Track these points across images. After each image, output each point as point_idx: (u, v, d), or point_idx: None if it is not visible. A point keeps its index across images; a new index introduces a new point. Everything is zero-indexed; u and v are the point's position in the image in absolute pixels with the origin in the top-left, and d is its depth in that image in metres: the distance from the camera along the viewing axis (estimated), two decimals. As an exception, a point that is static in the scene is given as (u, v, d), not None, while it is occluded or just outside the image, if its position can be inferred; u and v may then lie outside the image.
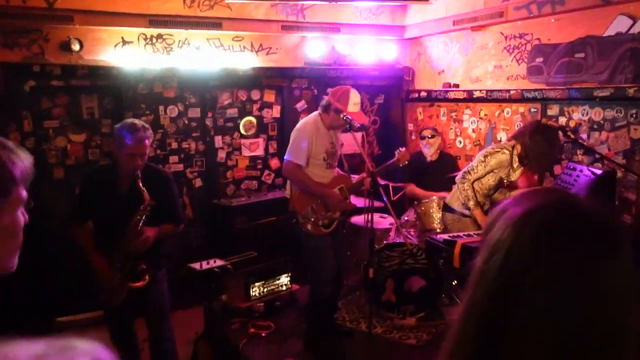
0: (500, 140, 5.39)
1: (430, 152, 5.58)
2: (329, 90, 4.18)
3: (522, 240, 0.78)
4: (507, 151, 4.11)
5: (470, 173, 4.18)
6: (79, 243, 3.36)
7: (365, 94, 6.61)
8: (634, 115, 4.21)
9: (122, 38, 4.98)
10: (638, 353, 0.77)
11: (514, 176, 4.18)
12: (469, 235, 3.74)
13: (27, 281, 4.50)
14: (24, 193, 1.11)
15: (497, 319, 0.78)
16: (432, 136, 5.59)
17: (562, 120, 4.76)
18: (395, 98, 6.84)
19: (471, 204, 4.11)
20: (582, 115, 4.62)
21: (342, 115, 3.92)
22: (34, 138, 4.76)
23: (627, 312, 0.76)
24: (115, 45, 4.97)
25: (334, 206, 4.10)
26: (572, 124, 4.69)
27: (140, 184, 3.19)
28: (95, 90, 5.10)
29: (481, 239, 0.88)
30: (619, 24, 4.25)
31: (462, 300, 0.86)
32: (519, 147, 4.09)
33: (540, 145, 3.99)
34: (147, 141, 3.26)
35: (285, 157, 4.12)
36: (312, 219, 4.06)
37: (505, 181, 4.20)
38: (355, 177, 4.26)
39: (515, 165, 4.12)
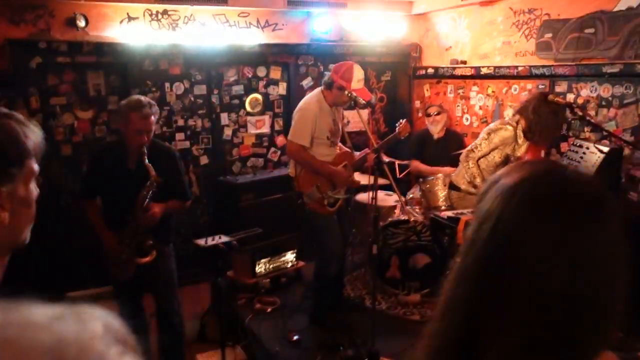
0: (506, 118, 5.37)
1: (436, 129, 5.55)
2: (332, 66, 4.13)
3: (510, 210, 0.79)
4: (510, 127, 4.05)
5: (474, 151, 4.15)
6: (88, 219, 3.42)
7: (371, 70, 6.56)
8: (643, 92, 4.17)
9: (128, 14, 4.96)
10: (617, 325, 0.78)
11: (520, 151, 4.14)
12: (473, 212, 3.74)
13: (38, 256, 4.58)
14: (36, 166, 1.14)
15: (484, 285, 0.80)
16: (438, 113, 5.55)
17: (570, 97, 4.71)
18: (402, 75, 6.79)
19: (477, 181, 4.10)
20: (591, 92, 4.57)
21: (346, 92, 3.90)
22: (41, 115, 4.78)
23: (610, 284, 0.77)
24: (121, 22, 4.95)
25: (341, 183, 4.11)
26: (580, 100, 4.65)
27: (146, 161, 3.21)
28: (102, 67, 5.10)
29: (474, 209, 0.89)
30: (630, -1, 4.18)
31: (452, 267, 0.87)
32: (523, 122, 4.00)
33: (545, 117, 3.87)
34: (152, 117, 3.28)
35: (288, 138, 4.11)
36: (318, 198, 4.07)
37: (512, 157, 4.17)
38: (358, 154, 4.26)
39: (520, 140, 4.07)
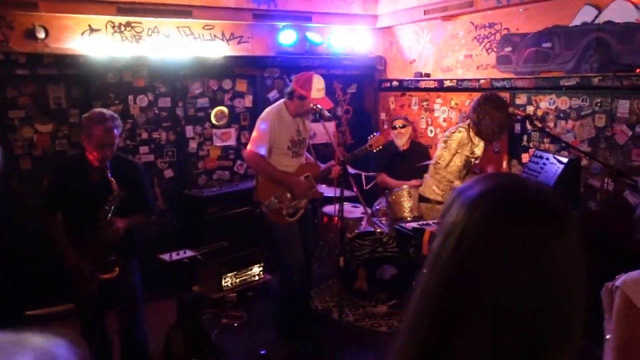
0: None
1: (402, 142, 5.61)
2: (293, 77, 4.16)
3: (473, 222, 0.81)
4: (462, 129, 4.20)
5: (439, 162, 4.23)
6: (49, 234, 3.33)
7: (337, 83, 6.62)
8: (599, 104, 4.31)
9: (90, 26, 4.88)
10: (580, 334, 0.80)
11: (479, 150, 4.26)
12: (437, 223, 3.79)
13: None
14: None
15: (451, 296, 0.81)
16: (404, 126, 5.62)
17: (530, 109, 4.84)
18: (367, 87, 6.86)
19: (456, 184, 4.17)
20: (549, 104, 4.70)
21: (307, 102, 3.92)
22: (-2, 128, 4.66)
23: (572, 294, 0.79)
24: (82, 33, 4.87)
25: (300, 194, 4.10)
26: (539, 112, 4.78)
27: (109, 175, 3.16)
28: (63, 80, 5.00)
29: (438, 222, 0.90)
30: (585, 14, 4.33)
31: (417, 282, 0.88)
32: (471, 123, 4.15)
33: (488, 112, 4.01)
34: (115, 131, 3.23)
35: (247, 147, 4.12)
36: (276, 208, 4.06)
37: (472, 159, 4.27)
38: (323, 166, 4.27)
39: (476, 140, 4.20)
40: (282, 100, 4.16)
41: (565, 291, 0.79)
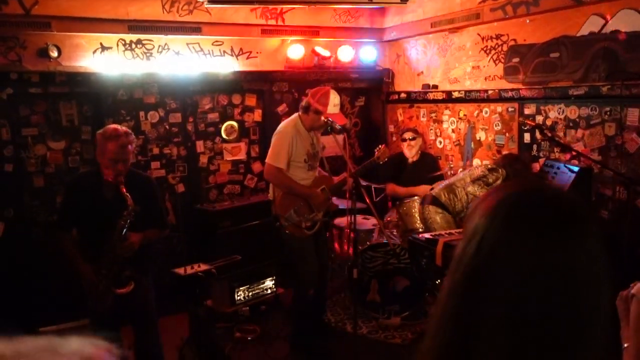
0: (479, 140, 5.49)
1: (412, 153, 5.61)
2: (309, 91, 4.20)
3: (493, 227, 0.83)
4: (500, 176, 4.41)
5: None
6: (64, 250, 3.35)
7: (345, 96, 6.66)
8: (608, 113, 4.31)
9: (101, 44, 4.96)
10: (601, 340, 0.81)
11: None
12: (450, 234, 3.80)
13: (9, 291, 4.46)
14: None
15: (473, 299, 0.83)
16: (414, 138, 5.63)
17: (539, 118, 4.85)
18: (375, 100, 6.90)
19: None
20: (558, 113, 4.71)
21: (322, 117, 3.96)
22: (12, 146, 4.71)
23: (592, 298, 0.80)
24: (94, 52, 4.94)
25: (319, 206, 4.14)
26: (548, 122, 4.78)
27: (124, 190, 3.18)
28: (75, 97, 5.06)
29: (463, 229, 0.92)
30: (592, 24, 4.35)
31: (443, 285, 0.90)
32: (504, 173, 4.41)
33: (520, 171, 4.35)
34: (130, 146, 3.26)
35: (266, 161, 4.14)
36: (295, 221, 4.08)
37: None
38: (336, 178, 4.30)
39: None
40: (296, 114, 4.20)
41: (583, 293, 0.80)
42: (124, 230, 3.19)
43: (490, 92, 5.29)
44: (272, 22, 5.59)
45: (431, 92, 6.02)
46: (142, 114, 5.30)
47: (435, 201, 4.46)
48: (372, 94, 6.89)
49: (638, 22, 4.04)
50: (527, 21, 4.86)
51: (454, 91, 5.72)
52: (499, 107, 5.30)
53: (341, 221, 5.28)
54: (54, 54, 4.65)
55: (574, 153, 4.38)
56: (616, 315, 1.90)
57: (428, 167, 5.56)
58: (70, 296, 3.44)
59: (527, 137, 5.01)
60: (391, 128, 6.79)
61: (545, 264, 0.79)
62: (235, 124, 5.95)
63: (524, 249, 0.80)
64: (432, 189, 4.68)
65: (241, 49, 5.69)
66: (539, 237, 0.80)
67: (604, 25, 4.26)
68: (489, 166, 4.54)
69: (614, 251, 3.50)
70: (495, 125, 5.33)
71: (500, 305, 0.79)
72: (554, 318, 0.78)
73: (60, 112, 5.04)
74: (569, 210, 0.84)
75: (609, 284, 0.82)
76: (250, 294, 4.85)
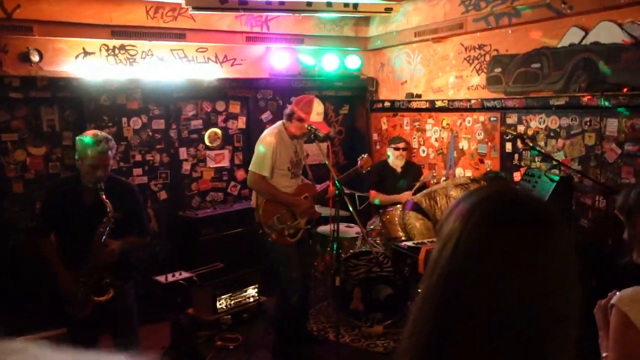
0: (462, 149, 5.54)
1: (401, 163, 5.60)
2: (293, 99, 4.21)
3: (469, 228, 0.85)
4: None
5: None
6: (42, 256, 3.29)
7: (330, 104, 6.68)
8: (588, 123, 4.37)
9: (84, 49, 4.91)
10: (573, 341, 0.83)
11: None
12: (432, 242, 3.81)
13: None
14: None
15: (449, 300, 0.84)
16: (405, 148, 5.63)
17: (521, 128, 4.90)
18: (359, 108, 6.93)
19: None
20: (539, 123, 4.77)
21: (305, 125, 3.96)
22: (-9, 151, 4.64)
23: (564, 295, 0.82)
24: (77, 56, 4.89)
25: (302, 213, 4.13)
26: (530, 131, 4.84)
27: (103, 196, 3.15)
28: (56, 102, 5.01)
29: (438, 232, 0.93)
30: (572, 36, 4.42)
31: (419, 288, 0.90)
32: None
33: None
34: (110, 152, 3.23)
35: (249, 169, 4.13)
36: (278, 229, 4.07)
37: None
38: (319, 186, 4.30)
39: None
40: (280, 122, 4.20)
41: (555, 292, 0.81)
42: (104, 237, 3.15)
43: (473, 101, 5.34)
44: (257, 29, 5.59)
45: (415, 101, 6.06)
46: (124, 120, 5.26)
47: (416, 207, 4.48)
48: (356, 103, 6.92)
49: (617, 34, 4.11)
50: (509, 32, 4.93)
51: (438, 100, 5.76)
52: (482, 117, 5.35)
53: (325, 229, 5.27)
54: (36, 58, 4.60)
55: (554, 162, 4.43)
56: (593, 324, 1.90)
57: (412, 176, 5.58)
58: (49, 304, 3.38)
59: (508, 146, 5.06)
60: (375, 136, 6.81)
61: (520, 262, 0.80)
62: (219, 131, 5.93)
63: (497, 251, 0.81)
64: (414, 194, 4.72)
65: (226, 56, 5.68)
66: (512, 239, 0.82)
67: (584, 36, 4.33)
68: (472, 177, 4.59)
69: (593, 260, 3.54)
70: (478, 135, 5.38)
71: (475, 307, 0.81)
72: (528, 319, 0.79)
73: (41, 117, 4.98)
74: (541, 212, 0.86)
75: (580, 284, 0.84)
76: (232, 302, 4.81)
